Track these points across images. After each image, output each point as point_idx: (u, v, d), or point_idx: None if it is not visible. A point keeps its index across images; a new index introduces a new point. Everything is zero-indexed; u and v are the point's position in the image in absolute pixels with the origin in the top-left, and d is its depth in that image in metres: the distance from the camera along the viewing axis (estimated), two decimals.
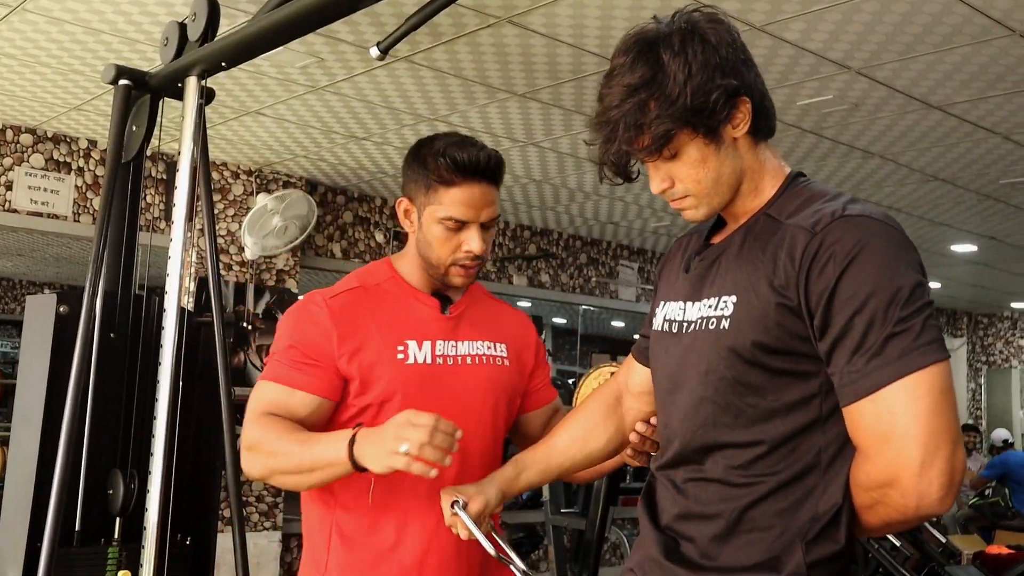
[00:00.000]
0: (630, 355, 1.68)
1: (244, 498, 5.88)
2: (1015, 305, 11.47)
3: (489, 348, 1.92)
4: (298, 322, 1.86)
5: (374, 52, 2.47)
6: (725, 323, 1.31)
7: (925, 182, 5.48)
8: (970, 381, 12.27)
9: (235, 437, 2.61)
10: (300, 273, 6.23)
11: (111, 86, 2.76)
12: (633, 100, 1.30)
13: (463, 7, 3.25)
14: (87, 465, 2.70)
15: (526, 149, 5.13)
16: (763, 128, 1.38)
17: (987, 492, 9.09)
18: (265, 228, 5.63)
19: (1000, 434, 10.32)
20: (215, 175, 5.75)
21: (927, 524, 7.27)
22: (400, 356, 1.82)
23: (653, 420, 1.62)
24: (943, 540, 6.96)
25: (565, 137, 4.89)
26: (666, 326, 1.45)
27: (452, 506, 1.60)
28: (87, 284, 2.63)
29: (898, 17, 3.21)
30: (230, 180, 5.82)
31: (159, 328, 2.69)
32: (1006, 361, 12.16)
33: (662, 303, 1.49)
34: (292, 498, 7.92)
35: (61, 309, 2.76)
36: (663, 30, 1.33)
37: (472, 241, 1.82)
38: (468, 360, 1.89)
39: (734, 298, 1.31)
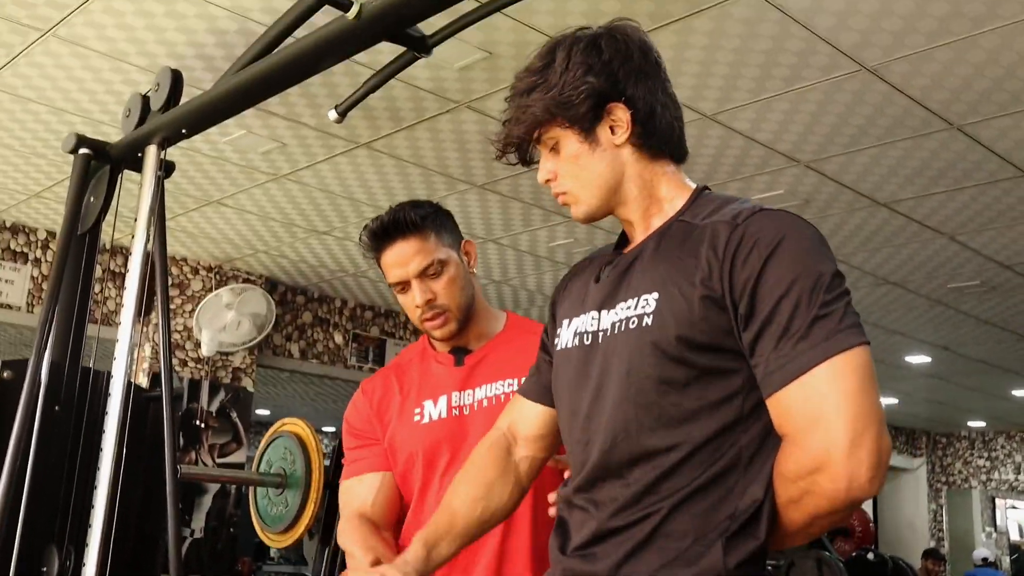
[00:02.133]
0: (513, 400, 1.64)
1: None
2: (972, 424, 11.57)
3: (510, 385, 1.91)
4: (349, 412, 2.05)
5: (332, 115, 2.51)
6: (647, 319, 1.30)
7: (877, 285, 5.60)
8: (931, 502, 12.24)
9: (179, 512, 2.55)
10: (256, 372, 6.18)
11: (69, 170, 2.77)
12: (523, 86, 1.41)
13: (422, 90, 3.35)
14: (21, 540, 2.61)
15: (485, 246, 5.19)
16: (654, 144, 1.40)
17: None
18: (219, 322, 5.62)
19: (980, 553, 10.29)
20: (174, 270, 5.75)
21: None
22: (417, 418, 1.91)
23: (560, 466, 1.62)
24: None
25: (524, 233, 4.96)
26: (575, 340, 1.43)
27: None
28: (33, 352, 2.60)
29: (842, 107, 3.35)
30: (189, 276, 5.81)
31: (105, 404, 2.63)
32: (965, 482, 12.17)
33: (567, 322, 1.48)
34: None
35: (5, 374, 2.71)
36: (571, 34, 1.41)
37: (415, 296, 1.87)
38: (484, 403, 1.90)
39: (656, 295, 1.31)
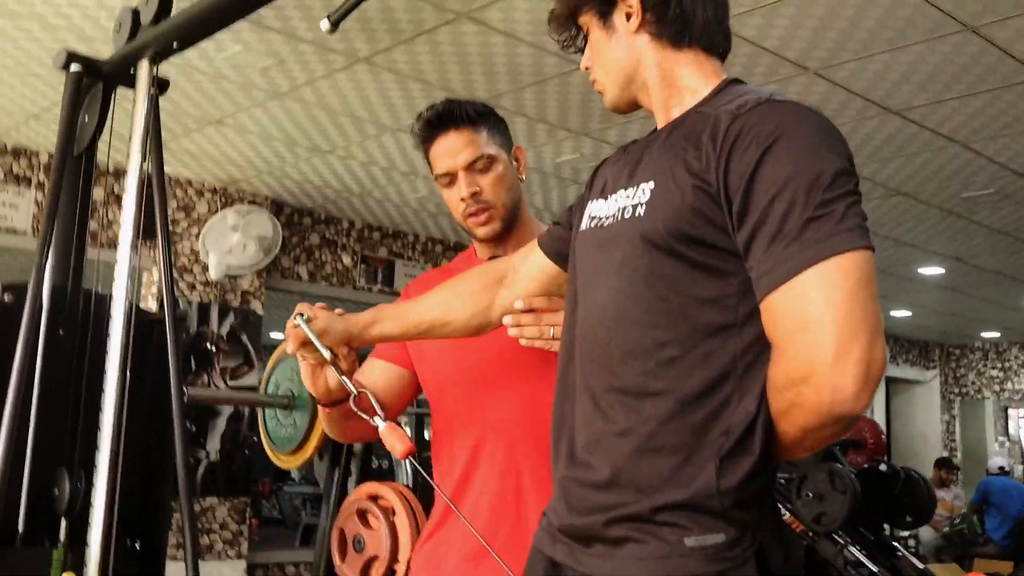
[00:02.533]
0: (532, 244, 1.66)
1: (207, 526, 5.78)
2: (985, 335, 11.55)
3: None
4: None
5: (324, 24, 2.44)
6: (640, 210, 1.28)
7: (888, 197, 5.52)
8: (944, 413, 12.31)
9: (187, 439, 2.55)
10: (266, 294, 6.17)
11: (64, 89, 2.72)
12: None
13: (420, 1, 3.26)
14: (31, 463, 2.62)
15: None
16: (672, 31, 1.37)
17: (956, 520, 9.14)
18: (225, 244, 5.60)
19: (996, 461, 10.38)
20: (179, 192, 5.72)
21: (904, 551, 7.28)
22: None
23: (534, 302, 1.61)
24: (922, 567, 6.93)
25: (529, 150, 4.89)
26: (591, 223, 1.42)
27: (295, 318, 1.62)
28: (32, 275, 2.58)
29: (851, 10, 3.25)
30: (195, 198, 5.78)
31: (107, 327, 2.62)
32: (979, 392, 12.22)
33: (590, 203, 1.46)
34: (268, 519, 7.77)
35: (5, 297, 2.70)
36: None
37: (461, 188, 1.86)
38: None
39: (651, 184, 1.28)
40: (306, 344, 1.61)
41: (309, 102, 4.30)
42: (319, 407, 1.86)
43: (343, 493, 3.40)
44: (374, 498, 2.68)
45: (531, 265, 1.63)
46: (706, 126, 1.25)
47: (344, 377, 1.60)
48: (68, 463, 2.66)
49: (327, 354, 1.59)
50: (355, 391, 1.58)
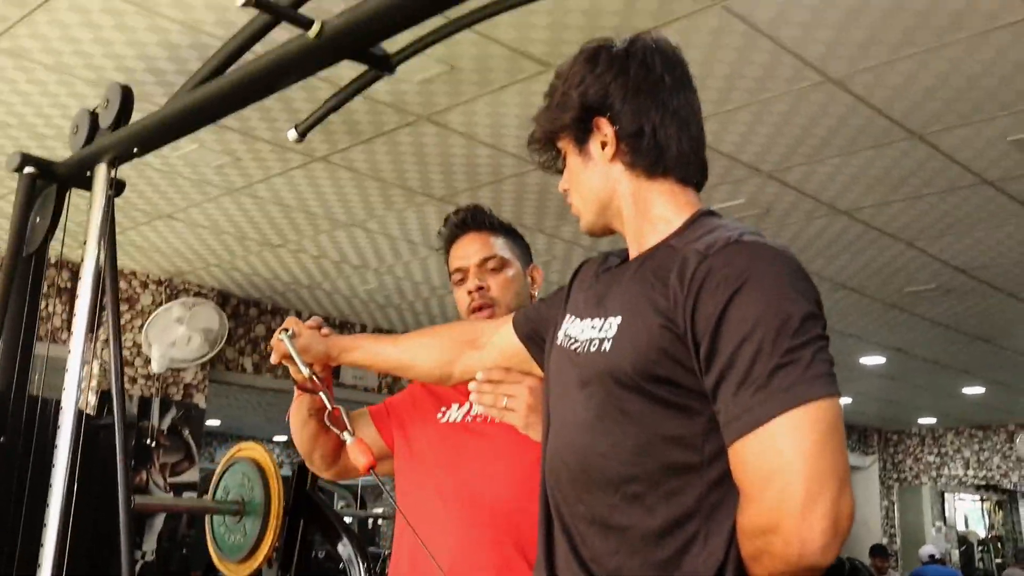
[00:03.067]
0: (509, 319, 1.67)
1: None
2: (922, 421, 11.73)
3: None
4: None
5: (291, 135, 2.43)
6: (607, 344, 1.26)
7: (834, 291, 5.61)
8: (883, 499, 12.39)
9: (132, 547, 2.46)
10: (209, 387, 6.04)
11: (9, 189, 2.66)
12: (547, 90, 1.45)
13: (381, 103, 3.27)
14: None
15: (442, 257, 5.11)
16: (646, 162, 1.35)
17: None
18: (169, 337, 5.48)
19: (926, 549, 10.40)
20: (123, 284, 5.60)
21: None
22: (439, 416, 1.94)
23: (493, 374, 1.65)
24: None
25: None
26: (566, 340, 1.40)
27: (281, 332, 1.73)
28: None
29: (805, 119, 3.33)
30: (139, 290, 5.67)
31: (54, 432, 2.52)
32: (916, 478, 12.34)
33: (569, 316, 1.44)
34: None
35: None
36: (596, 43, 1.41)
37: (471, 282, 1.93)
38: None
39: (619, 319, 1.26)
40: (287, 358, 1.71)
41: (263, 198, 4.27)
42: (302, 417, 1.89)
43: None
44: None
45: (501, 338, 1.64)
46: (674, 264, 1.23)
47: (322, 393, 1.69)
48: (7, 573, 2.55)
49: (305, 370, 1.69)
50: (330, 406, 1.67)
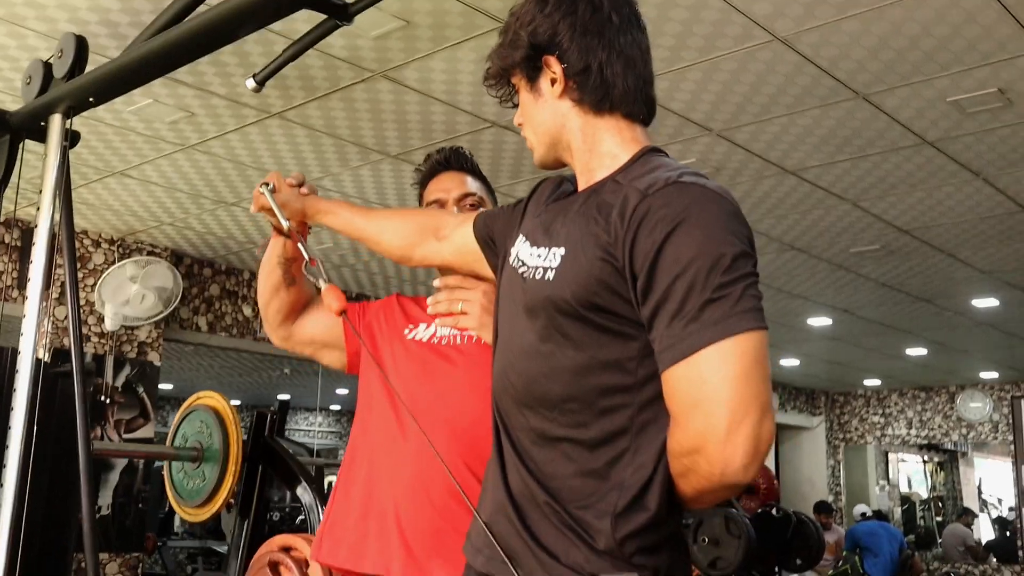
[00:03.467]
0: (471, 216, 1.75)
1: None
2: (868, 383, 11.99)
3: None
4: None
5: (250, 83, 2.45)
6: (550, 274, 1.33)
7: (782, 252, 5.73)
8: (829, 458, 12.67)
9: (94, 493, 2.49)
10: (164, 345, 6.04)
11: None
12: (502, 28, 1.52)
13: (337, 59, 3.29)
14: None
15: None
16: (593, 99, 1.41)
17: (839, 564, 9.44)
18: (122, 295, 5.47)
19: (859, 508, 10.76)
20: (75, 243, 5.56)
21: None
22: (406, 331, 1.98)
23: (448, 281, 1.82)
24: None
25: None
26: (515, 263, 1.47)
27: (262, 185, 1.81)
28: None
29: (753, 77, 3.40)
30: (90, 249, 5.64)
31: (11, 380, 2.54)
32: (861, 438, 12.62)
33: (521, 238, 1.50)
34: None
35: None
36: None
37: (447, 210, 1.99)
38: (475, 337, 1.94)
39: (562, 251, 1.34)
40: (267, 210, 1.80)
41: (217, 155, 4.27)
42: (270, 266, 1.95)
43: (253, 545, 3.34)
44: (286, 549, 2.64)
45: (461, 235, 1.73)
46: (617, 201, 1.30)
47: (300, 244, 1.77)
48: None
49: (285, 223, 1.78)
50: (307, 256, 1.75)
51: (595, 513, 1.26)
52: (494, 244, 1.65)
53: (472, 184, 2.03)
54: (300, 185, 1.88)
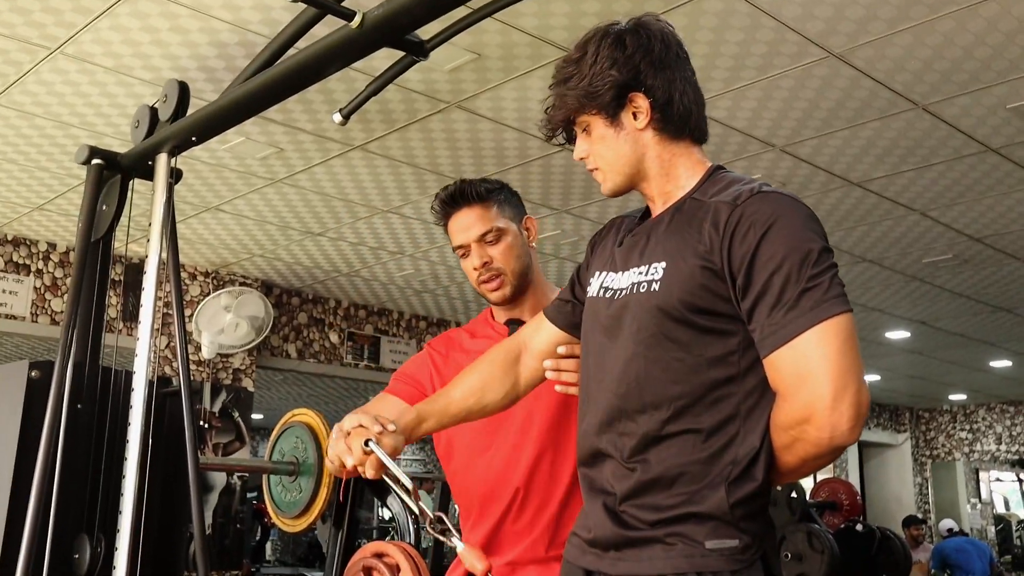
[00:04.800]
0: (538, 318, 1.83)
1: None
2: (953, 397, 11.79)
3: None
4: (408, 362, 2.19)
5: (336, 118, 2.66)
6: (655, 285, 1.49)
7: (855, 264, 5.77)
8: (916, 476, 12.46)
9: (202, 504, 2.69)
10: (256, 372, 6.31)
11: (74, 184, 2.89)
12: (561, 76, 1.60)
13: (414, 92, 3.50)
14: (55, 529, 2.72)
15: None
16: (673, 128, 1.57)
17: None
18: (218, 324, 5.75)
19: (945, 523, 10.55)
20: None
21: None
22: None
23: (561, 349, 1.79)
24: None
25: None
26: (602, 292, 1.62)
27: (366, 444, 1.58)
28: (59, 354, 2.73)
29: (812, 92, 3.51)
30: (188, 281, 5.94)
31: (125, 401, 2.75)
32: (949, 454, 12.40)
33: (598, 273, 1.66)
34: None
35: (33, 374, 2.84)
36: (604, 28, 1.59)
37: (473, 258, 2.04)
38: None
39: (664, 264, 1.50)
40: (382, 469, 1.59)
41: (304, 187, 4.51)
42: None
43: (347, 553, 3.52)
44: (379, 555, 2.80)
45: (543, 336, 1.80)
46: (707, 215, 1.47)
47: (417, 504, 1.59)
48: (89, 529, 2.78)
49: (409, 484, 1.58)
50: (431, 515, 1.57)
51: (710, 485, 1.42)
52: (577, 321, 1.71)
53: (488, 214, 2.04)
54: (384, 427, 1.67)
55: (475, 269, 2.04)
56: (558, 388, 1.80)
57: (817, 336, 1.35)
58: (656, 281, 1.49)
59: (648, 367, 1.48)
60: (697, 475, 1.43)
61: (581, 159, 1.65)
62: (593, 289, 1.65)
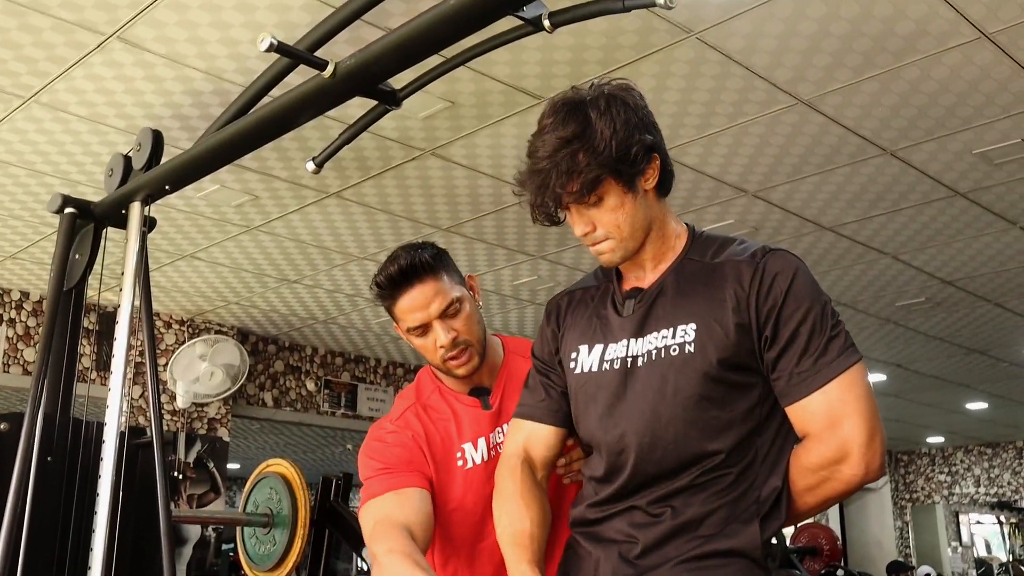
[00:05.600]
0: (518, 425, 1.73)
1: None
2: (931, 440, 11.81)
3: None
4: (380, 449, 1.93)
5: (310, 166, 2.66)
6: (689, 347, 1.51)
7: None
8: (896, 519, 12.44)
9: (173, 558, 2.66)
10: (232, 422, 6.26)
11: (48, 232, 2.87)
12: (566, 151, 1.47)
13: (389, 139, 3.52)
14: None
15: None
16: (666, 185, 1.60)
17: None
18: (193, 373, 5.71)
19: (923, 570, 10.54)
20: None
21: None
22: (460, 463, 1.91)
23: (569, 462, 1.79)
24: None
25: (489, 273, 5.12)
26: (605, 366, 1.59)
27: None
28: (28, 405, 2.70)
29: (782, 139, 3.56)
30: (162, 330, 5.91)
31: (96, 452, 2.71)
32: (928, 497, 12.40)
33: (582, 348, 1.64)
34: None
35: (1, 427, 2.81)
36: (587, 95, 1.54)
37: (439, 336, 1.85)
38: None
39: (694, 325, 1.51)
40: None
41: (280, 235, 4.51)
42: None
43: None
44: None
45: (543, 444, 1.70)
46: (727, 274, 1.51)
47: None
48: None
49: None
50: None
51: (742, 520, 1.47)
52: (566, 412, 1.68)
53: (443, 286, 1.86)
54: None
55: (441, 347, 1.86)
56: (567, 480, 1.79)
57: (848, 381, 1.43)
58: (689, 343, 1.51)
59: (686, 428, 1.50)
60: (729, 515, 1.47)
61: (586, 234, 1.55)
62: (586, 364, 1.62)
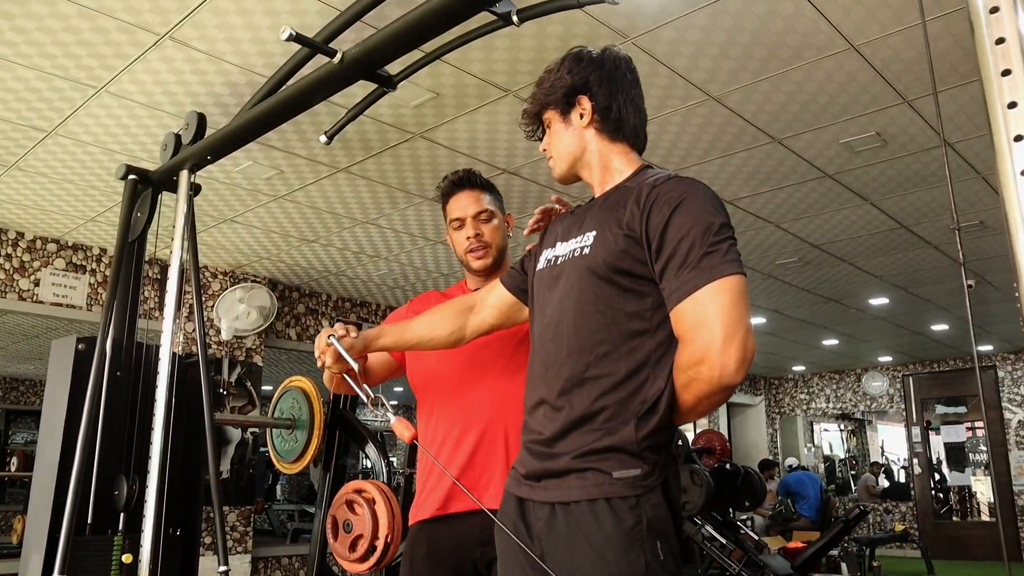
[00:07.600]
0: (496, 281, 1.73)
1: None
2: (795, 368, 11.93)
3: None
4: (396, 310, 2.07)
5: (322, 139, 2.54)
6: (586, 250, 1.41)
7: None
8: (768, 428, 12.59)
9: (218, 454, 2.56)
10: (265, 351, 6.11)
11: (119, 200, 2.74)
12: (536, 83, 1.56)
13: (386, 124, 3.37)
14: (98, 471, 2.60)
15: (436, 247, 5.22)
16: (610, 129, 1.49)
17: (776, 506, 9.37)
18: (233, 313, 5.56)
19: (789, 460, 10.69)
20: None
21: (744, 527, 7.39)
22: None
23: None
24: (756, 538, 7.08)
25: None
26: (545, 264, 1.53)
27: (328, 338, 1.61)
28: (99, 331, 2.59)
29: (696, 128, 3.46)
30: (209, 279, 5.73)
31: (155, 369, 2.62)
32: (792, 411, 12.54)
33: (545, 251, 1.57)
34: (260, 530, 7.50)
35: (80, 347, 2.68)
36: (578, 50, 1.53)
37: (468, 230, 1.91)
38: None
39: (594, 232, 1.42)
40: (338, 357, 1.62)
41: (301, 203, 4.36)
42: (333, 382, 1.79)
43: (334, 490, 3.39)
44: (359, 491, 2.70)
45: (495, 297, 1.70)
46: (631, 194, 1.39)
47: (362, 387, 1.60)
48: (126, 471, 2.64)
49: (355, 365, 1.60)
50: (371, 396, 1.60)
51: (624, 420, 1.31)
52: (524, 288, 1.64)
53: (484, 198, 1.94)
54: (347, 333, 1.69)
55: (468, 239, 1.91)
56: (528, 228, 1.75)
57: (713, 291, 1.26)
58: (587, 247, 1.40)
59: (576, 318, 1.39)
60: (614, 413, 1.32)
61: (543, 150, 1.57)
62: (540, 263, 1.56)
